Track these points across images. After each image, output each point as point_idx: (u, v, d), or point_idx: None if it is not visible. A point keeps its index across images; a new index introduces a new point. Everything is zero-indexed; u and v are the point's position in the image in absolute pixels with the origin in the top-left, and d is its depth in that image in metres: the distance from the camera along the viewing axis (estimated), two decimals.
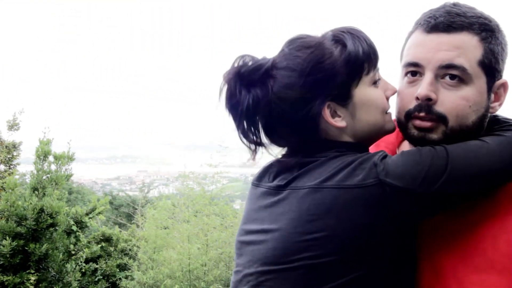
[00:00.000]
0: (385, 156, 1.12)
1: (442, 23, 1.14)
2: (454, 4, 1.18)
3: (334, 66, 1.16)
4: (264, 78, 1.18)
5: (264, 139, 1.26)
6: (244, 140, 1.25)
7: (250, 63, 1.21)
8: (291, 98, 1.16)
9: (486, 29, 1.15)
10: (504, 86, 1.22)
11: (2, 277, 5.35)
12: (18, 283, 5.39)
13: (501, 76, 1.21)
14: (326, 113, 1.18)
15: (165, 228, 7.53)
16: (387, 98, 1.27)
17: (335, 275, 1.07)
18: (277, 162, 1.26)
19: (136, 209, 10.45)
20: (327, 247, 1.06)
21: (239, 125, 1.23)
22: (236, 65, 1.22)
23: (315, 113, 1.17)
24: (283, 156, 1.27)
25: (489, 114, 1.22)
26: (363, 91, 1.21)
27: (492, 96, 1.20)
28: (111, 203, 10.58)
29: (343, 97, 1.19)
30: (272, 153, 1.30)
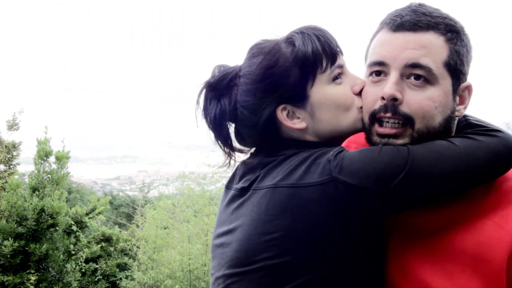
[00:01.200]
0: (341, 151, 1.10)
1: (408, 21, 1.12)
2: (420, 4, 1.17)
3: (286, 68, 1.16)
4: (229, 87, 1.23)
5: (236, 144, 1.31)
6: (220, 145, 1.30)
7: (219, 74, 1.26)
8: (249, 104, 1.20)
9: (452, 30, 1.14)
10: (469, 89, 1.20)
11: (2, 277, 5.36)
12: (18, 283, 5.39)
13: (465, 79, 1.18)
14: (281, 116, 1.19)
15: (165, 228, 7.53)
16: (357, 93, 1.22)
17: (294, 275, 1.06)
18: (243, 163, 1.29)
19: (136, 209, 10.45)
20: (284, 246, 1.06)
21: (213, 132, 1.28)
22: (212, 75, 1.28)
23: (270, 116, 1.19)
24: (249, 157, 1.30)
25: (455, 117, 1.20)
26: (320, 90, 1.18)
27: (457, 98, 1.18)
28: (111, 203, 10.58)
29: (299, 98, 1.18)
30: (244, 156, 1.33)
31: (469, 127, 1.20)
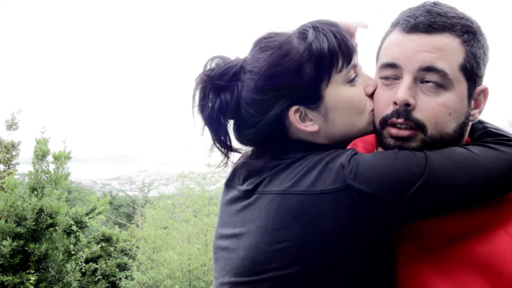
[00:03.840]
0: (354, 154, 1.04)
1: (422, 23, 1.06)
2: (435, 3, 1.10)
3: (299, 66, 1.08)
4: (232, 81, 1.14)
5: (235, 142, 1.23)
6: (217, 143, 1.21)
7: (220, 66, 1.16)
8: (257, 102, 1.11)
9: (468, 31, 1.08)
10: (485, 92, 1.14)
11: (2, 277, 5.34)
12: (18, 283, 5.38)
13: (481, 82, 1.13)
14: (294, 118, 1.12)
15: (165, 228, 7.52)
16: (369, 95, 1.16)
17: (304, 286, 1.02)
18: (246, 163, 1.20)
19: (136, 209, 10.44)
20: (294, 257, 1.01)
21: (209, 129, 1.19)
22: (208, 67, 1.18)
23: (281, 117, 1.12)
24: (252, 156, 1.22)
25: (469, 122, 1.15)
26: (335, 92, 1.11)
27: (472, 103, 1.12)
28: (110, 203, 10.57)
29: (313, 99, 1.11)
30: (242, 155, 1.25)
31: (489, 136, 1.14)
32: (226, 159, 1.24)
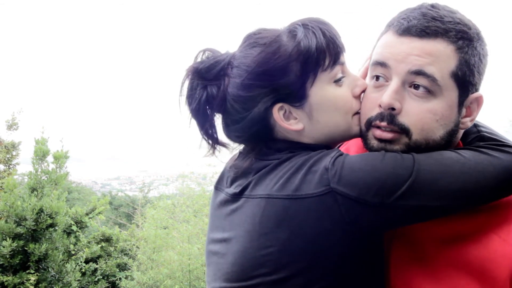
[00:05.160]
0: (339, 156, 1.02)
1: (415, 26, 1.03)
2: (432, 6, 1.06)
3: (286, 64, 1.06)
4: (219, 76, 1.13)
5: (221, 136, 1.21)
6: (204, 135, 1.20)
7: (209, 60, 1.15)
8: (242, 98, 1.10)
9: (463, 38, 1.04)
10: (478, 101, 1.10)
11: (2, 278, 5.34)
12: (18, 283, 5.38)
13: (476, 90, 1.09)
14: (277, 115, 1.10)
15: (165, 228, 7.53)
16: (357, 96, 1.14)
17: None
18: (233, 165, 1.19)
19: (136, 209, 10.44)
20: (281, 262, 0.99)
21: (196, 121, 1.18)
22: (199, 59, 1.18)
23: (265, 115, 1.10)
24: (239, 157, 1.21)
25: (460, 130, 1.12)
26: (320, 91, 1.09)
27: (464, 110, 1.09)
28: (110, 203, 10.57)
29: (297, 98, 1.09)
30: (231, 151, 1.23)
31: (481, 140, 1.11)
32: (212, 150, 1.22)
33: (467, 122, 1.11)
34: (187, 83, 1.18)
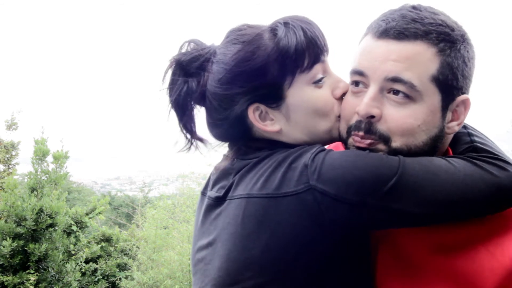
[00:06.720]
0: (319, 152, 0.98)
1: (393, 28, 0.98)
2: (414, 7, 1.02)
3: (263, 64, 1.03)
4: (200, 70, 1.11)
5: (200, 132, 1.19)
6: (182, 129, 1.17)
7: (191, 52, 1.13)
8: (220, 96, 1.07)
9: (445, 40, 0.99)
10: (465, 104, 1.05)
11: (2, 277, 5.34)
12: (18, 283, 5.38)
13: (462, 93, 1.03)
14: (252, 116, 1.07)
15: (165, 228, 7.53)
16: (338, 98, 1.10)
17: None
18: (216, 167, 1.17)
19: (136, 209, 10.44)
20: (264, 264, 0.96)
21: (175, 112, 1.16)
22: (183, 49, 1.15)
23: (242, 114, 1.07)
24: (222, 158, 1.18)
25: (447, 135, 1.07)
26: (298, 92, 1.06)
27: (450, 114, 1.04)
28: (110, 203, 10.58)
29: (274, 99, 1.06)
30: (211, 147, 1.21)
31: (475, 152, 1.05)
32: (189, 144, 1.19)
33: (454, 127, 1.07)
34: (169, 73, 1.15)
